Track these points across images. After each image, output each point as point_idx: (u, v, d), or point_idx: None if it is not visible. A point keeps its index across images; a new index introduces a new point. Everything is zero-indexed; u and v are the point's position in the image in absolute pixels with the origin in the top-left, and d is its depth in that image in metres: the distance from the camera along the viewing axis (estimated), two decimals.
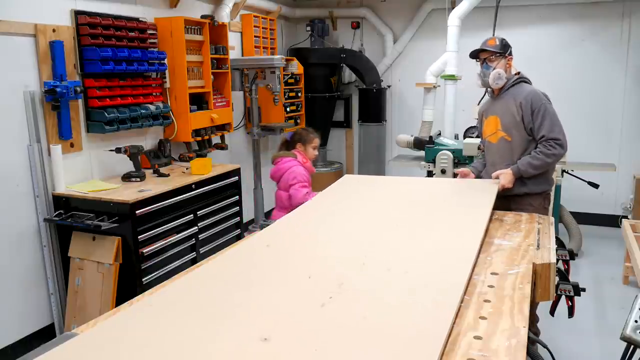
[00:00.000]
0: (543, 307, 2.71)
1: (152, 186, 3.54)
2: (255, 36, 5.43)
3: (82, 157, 3.63)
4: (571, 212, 5.05)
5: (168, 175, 3.83)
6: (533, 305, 2.43)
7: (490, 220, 2.50)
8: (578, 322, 2.94)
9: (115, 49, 3.56)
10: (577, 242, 4.91)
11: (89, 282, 3.32)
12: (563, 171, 4.79)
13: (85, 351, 1.35)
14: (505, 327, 1.46)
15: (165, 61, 4.03)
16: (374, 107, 6.25)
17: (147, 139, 4.21)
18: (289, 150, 3.83)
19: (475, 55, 3.19)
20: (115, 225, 3.22)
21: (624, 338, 1.76)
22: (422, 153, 4.81)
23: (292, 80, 5.87)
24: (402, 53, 6.42)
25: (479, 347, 1.35)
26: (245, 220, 4.81)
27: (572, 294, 2.24)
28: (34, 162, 3.26)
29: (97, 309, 3.22)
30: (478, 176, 3.34)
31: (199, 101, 4.41)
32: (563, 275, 2.28)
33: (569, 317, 2.29)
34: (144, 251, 3.33)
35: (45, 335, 3.36)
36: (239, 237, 4.27)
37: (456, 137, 4.94)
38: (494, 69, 3.08)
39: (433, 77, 5.27)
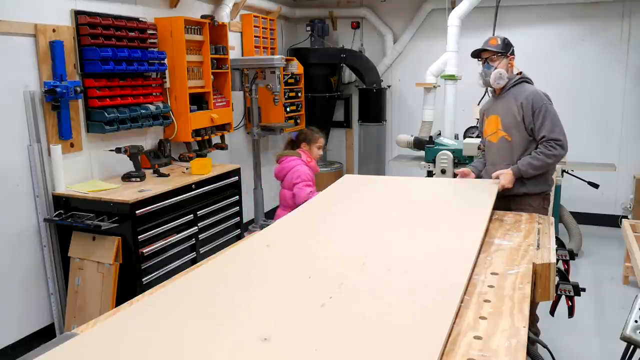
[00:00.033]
0: (543, 307, 2.71)
1: (152, 186, 3.54)
2: (255, 36, 5.43)
3: (82, 157, 3.63)
4: (571, 212, 5.05)
5: (168, 175, 3.83)
6: (533, 305, 2.43)
7: (490, 220, 2.50)
8: (578, 322, 2.94)
9: (115, 49, 3.56)
10: (577, 242, 4.91)
11: (89, 282, 3.32)
12: (563, 171, 4.80)
13: (85, 351, 1.35)
14: (505, 327, 1.46)
15: (165, 61, 4.03)
16: (374, 107, 6.25)
17: (147, 139, 4.21)
18: (294, 150, 3.85)
19: (476, 54, 3.19)
20: (115, 225, 3.22)
21: (624, 338, 1.76)
22: (422, 153, 4.81)
23: (292, 80, 5.87)
24: (402, 53, 6.42)
25: (479, 347, 1.35)
26: (245, 220, 4.81)
27: (572, 294, 2.24)
28: (34, 162, 3.26)
29: (97, 309, 3.22)
30: (478, 176, 3.34)
31: (199, 101, 4.41)
32: (563, 275, 2.28)
33: (569, 317, 2.29)
34: (144, 251, 3.33)
35: (45, 335, 3.36)
36: (239, 237, 4.27)
37: (456, 137, 4.94)
38: (495, 68, 3.08)
39: (433, 77, 5.27)
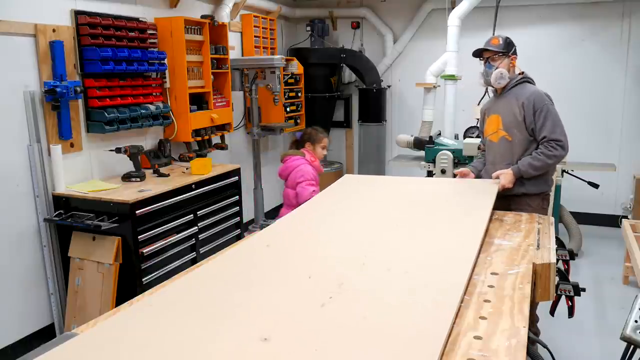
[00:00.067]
0: (543, 307, 2.71)
1: (152, 186, 3.54)
2: (255, 36, 5.43)
3: (82, 157, 3.63)
4: (571, 212, 5.05)
5: (168, 175, 3.83)
6: (533, 305, 2.43)
7: (490, 220, 2.50)
8: (578, 322, 2.94)
9: (115, 49, 3.56)
10: (577, 242, 4.92)
11: (89, 282, 3.32)
12: (563, 171, 4.80)
13: (85, 351, 1.35)
14: (505, 327, 1.46)
15: (165, 61, 4.03)
16: (374, 107, 6.25)
17: (147, 139, 4.21)
18: (298, 150, 3.87)
19: (478, 54, 3.19)
20: (115, 225, 3.22)
21: (624, 338, 1.76)
22: (422, 153, 4.81)
23: (292, 80, 5.87)
24: (402, 53, 6.42)
25: (479, 347, 1.35)
26: (245, 220, 4.81)
27: (572, 294, 2.24)
28: (34, 162, 3.26)
29: (97, 309, 3.22)
30: (478, 176, 3.34)
31: (199, 101, 4.41)
32: (563, 275, 2.28)
33: (569, 317, 2.29)
34: (144, 251, 3.33)
35: (45, 335, 3.36)
36: (239, 237, 4.27)
37: (456, 137, 4.94)
38: (497, 68, 3.08)
39: (433, 77, 5.27)
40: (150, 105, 3.90)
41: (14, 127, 3.16)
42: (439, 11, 5.95)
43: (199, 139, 4.44)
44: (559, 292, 2.24)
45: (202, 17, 4.52)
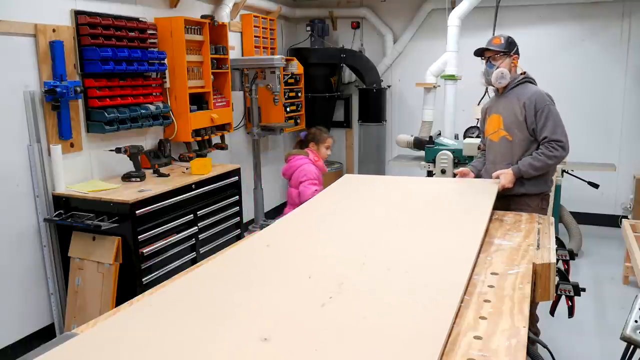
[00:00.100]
0: (543, 307, 2.71)
1: (152, 186, 3.54)
2: (255, 36, 5.43)
3: (82, 157, 3.63)
4: (571, 212, 5.05)
5: (168, 175, 3.83)
6: (533, 305, 2.43)
7: (490, 220, 2.50)
8: (578, 322, 2.94)
9: (115, 49, 3.56)
10: (577, 242, 4.91)
11: (89, 282, 3.32)
12: (563, 171, 4.80)
13: (85, 351, 1.35)
14: (505, 327, 1.46)
15: (165, 61, 4.03)
16: (374, 107, 6.25)
17: (147, 139, 4.21)
18: (302, 149, 3.89)
19: (480, 53, 3.18)
20: (115, 225, 3.22)
21: (624, 338, 1.76)
22: (422, 153, 4.81)
23: (292, 80, 5.87)
24: (402, 53, 6.42)
25: (479, 347, 1.35)
26: (245, 220, 4.81)
27: (572, 294, 2.24)
28: (34, 162, 3.26)
29: (97, 309, 3.22)
30: (477, 175, 3.34)
31: (199, 101, 4.41)
32: (563, 275, 2.28)
33: (569, 317, 2.29)
34: (144, 251, 3.33)
35: (45, 335, 3.36)
36: (239, 237, 4.27)
37: (456, 137, 4.94)
38: (498, 67, 3.08)
39: (433, 77, 5.27)
40: (150, 105, 3.90)
41: (14, 127, 3.16)
42: (439, 11, 5.95)
43: (199, 139, 4.44)
44: (559, 292, 2.24)
45: (202, 17, 4.52)
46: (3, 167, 3.12)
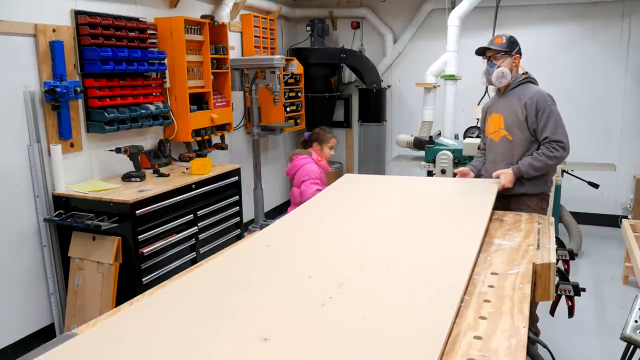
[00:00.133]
0: (543, 307, 2.71)
1: (152, 186, 3.54)
2: (255, 36, 5.43)
3: (82, 157, 3.63)
4: (571, 212, 5.05)
5: (168, 175, 3.83)
6: (533, 305, 2.43)
7: (490, 220, 2.50)
8: (578, 322, 2.94)
9: (115, 49, 3.56)
10: (577, 242, 4.92)
11: (89, 282, 3.32)
12: (563, 171, 4.80)
13: (85, 351, 1.35)
14: (505, 327, 1.46)
15: (165, 61, 4.03)
16: (374, 107, 6.25)
17: (147, 139, 4.21)
18: (306, 149, 3.91)
19: (481, 52, 3.18)
20: (115, 225, 3.22)
21: (624, 338, 1.76)
22: (422, 153, 4.81)
23: (292, 80, 5.87)
24: (402, 53, 6.42)
25: (479, 347, 1.35)
26: (245, 220, 4.81)
27: (572, 294, 2.24)
28: (34, 162, 3.26)
29: (97, 309, 3.22)
30: (477, 175, 3.34)
31: (199, 101, 4.41)
32: (563, 275, 2.28)
33: (569, 317, 2.29)
34: (144, 251, 3.33)
35: (45, 335, 3.36)
36: (239, 237, 4.27)
37: (456, 137, 4.94)
38: (498, 67, 3.07)
39: (433, 77, 5.27)
40: (150, 105, 3.90)
41: (14, 127, 3.17)
42: (439, 11, 5.95)
43: (199, 139, 4.44)
44: (559, 292, 2.23)
45: (202, 17, 4.52)
46: (3, 167, 3.12)
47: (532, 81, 3.14)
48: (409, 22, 6.31)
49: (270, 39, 5.72)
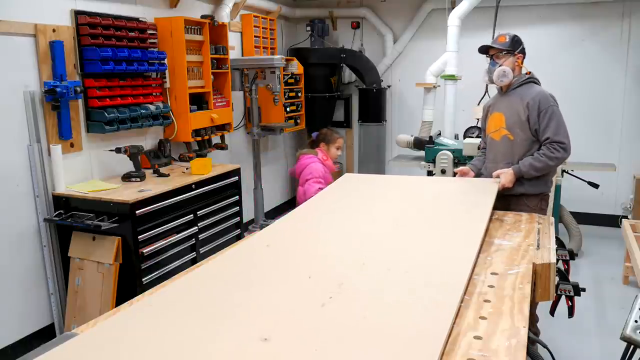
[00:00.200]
0: (543, 307, 2.71)
1: (152, 186, 3.54)
2: (255, 36, 5.43)
3: (82, 157, 3.63)
4: (571, 212, 5.05)
5: (168, 175, 3.83)
6: (533, 305, 2.43)
7: (490, 220, 2.50)
8: (578, 322, 2.94)
9: (115, 49, 3.56)
10: (577, 242, 4.91)
11: (89, 282, 3.32)
12: (563, 171, 4.80)
13: (85, 351, 1.35)
14: (505, 327, 1.46)
15: (165, 61, 4.03)
16: (374, 107, 6.25)
17: (147, 139, 4.21)
18: (313, 149, 3.95)
19: (484, 50, 3.18)
20: (115, 225, 3.22)
21: (624, 338, 1.76)
22: (422, 153, 4.81)
23: (292, 80, 5.87)
24: (402, 53, 6.42)
25: (479, 347, 1.35)
26: (245, 220, 4.81)
27: (572, 294, 2.24)
28: (34, 162, 3.26)
29: (97, 309, 3.22)
30: (477, 174, 3.34)
31: (199, 101, 4.41)
32: (563, 275, 2.28)
33: (569, 317, 2.29)
34: (144, 251, 3.33)
35: (45, 335, 3.36)
36: (239, 237, 4.27)
37: (456, 137, 4.94)
38: (500, 65, 3.07)
39: (433, 77, 5.27)
40: (150, 105, 3.90)
41: (14, 127, 3.16)
42: (439, 11, 5.95)
43: (199, 139, 4.44)
44: (559, 292, 2.24)
45: (202, 17, 4.52)
46: (3, 167, 3.12)
47: (535, 81, 3.13)
48: (409, 22, 6.30)
49: (270, 39, 5.72)
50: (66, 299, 3.43)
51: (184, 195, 3.67)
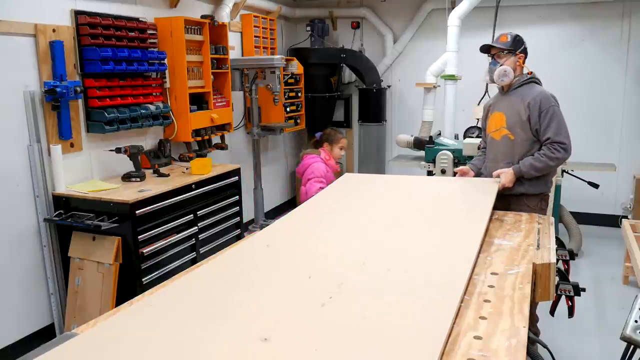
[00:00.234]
0: (543, 307, 2.71)
1: (152, 186, 3.54)
2: (255, 36, 5.43)
3: (82, 157, 3.63)
4: (571, 212, 5.05)
5: (168, 175, 3.83)
6: (533, 305, 2.43)
7: (490, 220, 2.50)
8: (578, 322, 2.94)
9: (115, 49, 3.56)
10: (577, 242, 4.91)
11: (89, 282, 3.32)
12: (563, 171, 4.80)
13: (85, 351, 1.35)
14: (505, 327, 1.46)
15: (165, 61, 4.03)
16: (374, 107, 6.25)
17: (147, 139, 4.21)
18: (317, 149, 3.98)
19: (486, 49, 3.18)
20: (115, 225, 3.22)
21: (624, 338, 1.76)
22: (422, 153, 4.81)
23: (292, 80, 5.87)
24: (402, 53, 6.42)
25: (479, 347, 1.35)
26: (245, 220, 4.81)
27: (572, 294, 2.24)
28: (34, 162, 3.26)
29: (97, 309, 3.22)
30: (477, 173, 3.34)
31: (199, 101, 4.41)
32: (563, 275, 2.28)
33: (569, 317, 2.29)
34: (144, 251, 3.33)
35: (45, 335, 3.36)
36: (239, 237, 4.27)
37: (456, 137, 4.94)
38: (501, 65, 3.07)
39: (433, 77, 5.27)
40: (150, 105, 3.90)
41: (14, 127, 3.16)
42: (439, 11, 5.95)
43: (199, 139, 4.44)
44: (559, 292, 2.24)
45: (202, 17, 4.52)
46: (3, 167, 3.12)
47: (537, 81, 3.13)
48: (409, 22, 6.31)
49: (270, 39, 5.72)
50: (66, 299, 3.43)
51: (184, 195, 3.67)
